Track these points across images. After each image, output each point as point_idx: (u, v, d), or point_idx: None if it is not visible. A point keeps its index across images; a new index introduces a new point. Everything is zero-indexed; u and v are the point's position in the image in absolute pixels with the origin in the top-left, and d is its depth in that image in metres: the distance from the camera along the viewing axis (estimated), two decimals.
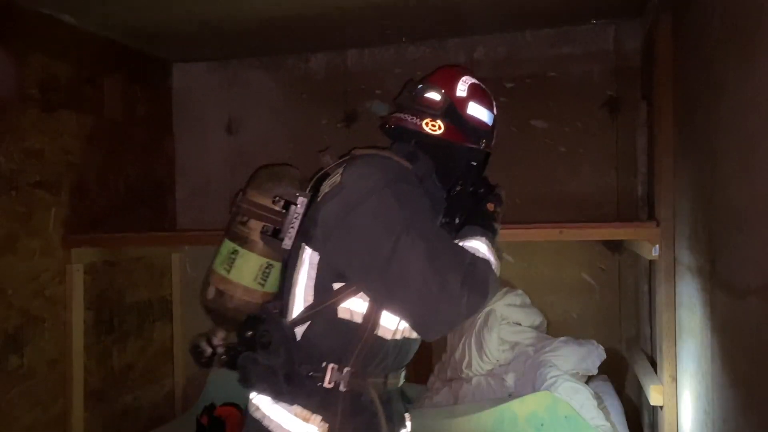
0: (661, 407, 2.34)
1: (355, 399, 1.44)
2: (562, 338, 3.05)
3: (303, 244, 1.46)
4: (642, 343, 3.02)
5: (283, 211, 1.50)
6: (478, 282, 1.34)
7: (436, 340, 3.40)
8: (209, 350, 1.62)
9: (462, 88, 1.63)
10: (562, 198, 3.28)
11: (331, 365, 1.42)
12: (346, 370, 1.42)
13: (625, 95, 3.20)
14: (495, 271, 1.43)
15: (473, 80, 1.67)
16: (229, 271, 1.52)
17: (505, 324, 3.14)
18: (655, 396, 2.36)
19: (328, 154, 1.61)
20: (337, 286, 1.42)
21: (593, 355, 2.93)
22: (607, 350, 2.94)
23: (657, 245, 2.33)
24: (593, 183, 3.26)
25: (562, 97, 3.30)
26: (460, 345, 3.15)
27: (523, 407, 2.62)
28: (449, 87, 1.62)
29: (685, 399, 2.20)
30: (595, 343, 2.97)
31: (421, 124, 1.59)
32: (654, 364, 2.62)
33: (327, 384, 1.42)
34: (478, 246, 1.46)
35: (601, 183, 3.26)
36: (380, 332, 1.44)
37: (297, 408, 1.43)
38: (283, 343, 1.44)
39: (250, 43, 3.45)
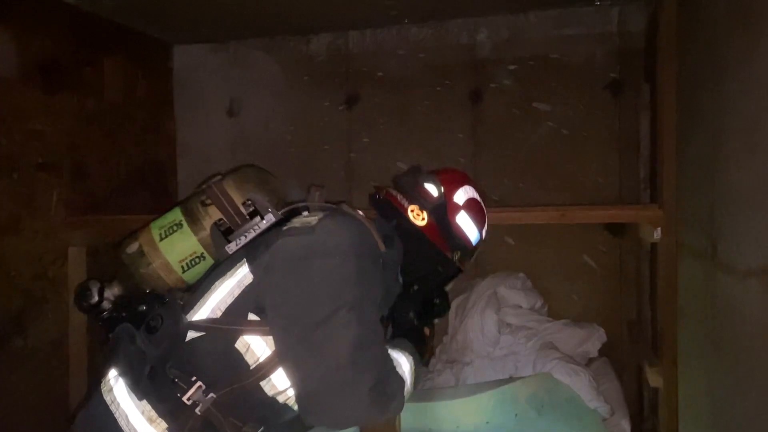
0: (661, 389, 2.35)
1: (206, 427, 1.33)
2: (563, 321, 3.06)
3: (244, 259, 1.38)
4: (643, 325, 3.03)
5: (248, 217, 1.45)
6: (385, 396, 1.27)
7: (437, 323, 3.40)
8: (96, 299, 1.55)
9: (461, 196, 1.62)
10: (564, 181, 3.28)
11: (199, 383, 1.33)
12: (210, 396, 1.32)
13: (628, 77, 3.18)
14: (405, 395, 1.36)
15: (476, 196, 1.66)
16: (162, 239, 1.46)
17: (506, 307, 3.15)
18: (654, 378, 2.37)
19: (319, 191, 1.55)
20: (252, 317, 1.33)
21: (594, 338, 2.94)
22: (607, 333, 2.95)
23: (659, 228, 2.32)
24: (595, 165, 3.25)
25: (564, 79, 3.28)
26: (462, 327, 3.16)
27: (523, 389, 2.64)
28: (449, 188, 1.61)
29: (685, 381, 2.21)
30: (596, 326, 2.98)
31: (407, 208, 1.57)
32: (654, 347, 2.63)
33: (186, 399, 1.32)
34: (402, 362, 1.41)
35: (603, 165, 3.25)
36: (265, 385, 1.34)
37: (146, 405, 1.34)
38: (169, 338, 1.37)
39: (251, 24, 3.42)
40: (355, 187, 3.59)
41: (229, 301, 1.34)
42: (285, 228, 1.37)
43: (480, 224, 1.66)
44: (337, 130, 3.61)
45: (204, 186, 1.52)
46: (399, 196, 1.60)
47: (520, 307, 3.18)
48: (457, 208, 1.59)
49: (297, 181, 3.65)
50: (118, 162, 3.25)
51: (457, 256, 1.62)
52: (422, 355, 1.56)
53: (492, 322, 3.08)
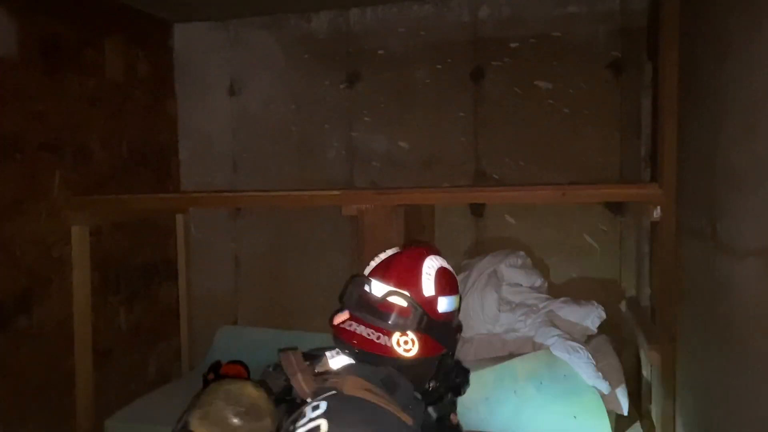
0: (659, 367, 2.38)
1: None
2: (563, 298, 3.08)
3: None
4: (642, 303, 3.06)
5: None
6: None
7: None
8: None
9: (428, 284, 1.37)
10: (565, 159, 3.28)
11: None
12: None
13: (630, 56, 3.17)
14: None
15: (436, 264, 1.42)
16: None
17: (506, 285, 3.17)
18: (653, 355, 2.39)
19: (300, 374, 1.26)
20: None
21: (593, 315, 2.97)
22: (607, 310, 2.97)
23: (659, 207, 2.33)
24: (596, 144, 3.25)
25: (566, 57, 3.27)
26: (462, 305, 3.19)
27: (522, 366, 2.67)
28: (414, 287, 1.35)
29: (682, 358, 2.24)
30: (595, 304, 3.00)
31: (392, 346, 1.31)
32: (653, 325, 2.66)
33: None
34: None
35: (604, 144, 3.25)
36: None
37: None
38: None
39: (251, 2, 3.41)
40: (357, 165, 3.59)
41: None
42: None
43: (455, 288, 1.45)
44: (338, 108, 3.61)
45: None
46: (374, 336, 1.32)
47: (520, 285, 3.20)
48: (433, 302, 1.37)
49: (298, 158, 3.66)
50: (120, 142, 3.26)
51: (458, 337, 1.46)
52: None
53: (492, 299, 3.11)
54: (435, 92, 3.47)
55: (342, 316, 1.39)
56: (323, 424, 1.10)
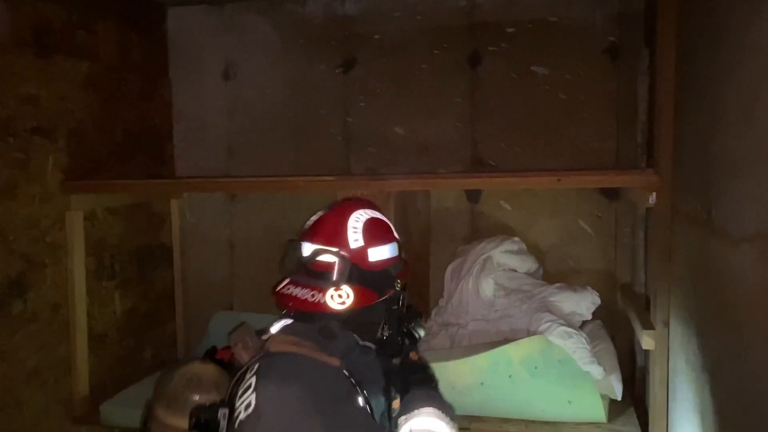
0: (653, 352, 2.39)
1: None
2: (557, 284, 3.09)
3: None
4: (636, 289, 3.07)
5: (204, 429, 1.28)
6: None
7: (433, 286, 3.44)
8: None
9: (355, 238, 1.40)
10: (561, 145, 3.28)
11: None
12: None
13: (627, 41, 3.16)
14: None
15: (364, 216, 1.44)
16: None
17: (502, 270, 3.18)
18: (647, 340, 2.41)
19: (240, 343, 1.34)
20: None
21: (588, 301, 2.98)
22: (601, 296, 2.98)
23: (654, 193, 2.33)
24: (593, 131, 3.25)
25: (563, 42, 3.25)
26: (457, 290, 3.20)
27: (517, 351, 2.68)
28: (340, 242, 1.39)
29: (676, 344, 2.25)
30: (590, 289, 3.02)
31: (325, 301, 1.34)
32: (648, 310, 2.67)
33: None
34: (428, 425, 1.32)
35: (600, 131, 3.25)
36: None
37: None
38: None
39: None
40: (353, 151, 3.58)
41: None
42: (236, 425, 1.21)
43: (389, 236, 1.47)
44: (333, 94, 3.59)
45: (143, 426, 1.38)
46: (308, 295, 1.36)
47: (515, 270, 3.21)
48: (362, 252, 1.40)
49: (294, 143, 3.64)
50: (114, 127, 3.24)
51: (398, 284, 1.46)
52: (429, 379, 1.47)
53: (487, 285, 3.11)
54: (431, 78, 3.45)
55: (282, 283, 1.44)
56: (253, 380, 1.22)
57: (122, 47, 3.30)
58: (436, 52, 3.43)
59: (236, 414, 1.21)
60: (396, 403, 1.38)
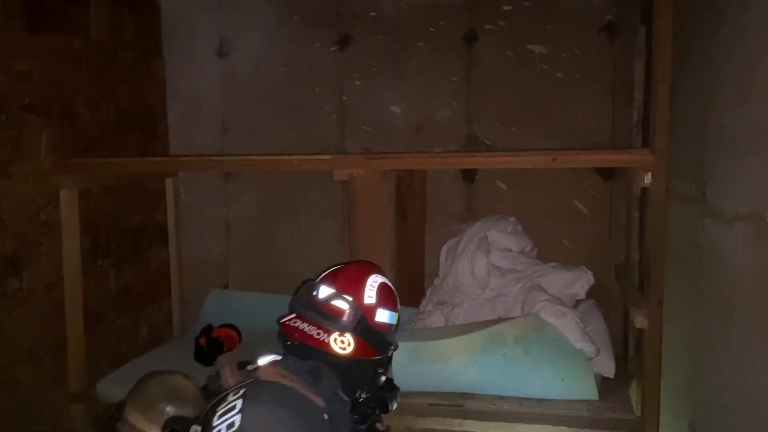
0: (646, 330, 2.41)
1: None
2: (552, 264, 3.11)
3: None
4: (630, 268, 3.08)
5: None
6: None
7: (428, 265, 3.44)
8: None
9: (370, 295, 1.50)
10: (557, 125, 3.27)
11: None
12: None
13: (625, 20, 3.14)
14: None
15: (380, 279, 1.55)
16: None
17: (496, 250, 3.19)
18: (640, 319, 2.42)
19: (228, 366, 1.43)
20: None
21: (582, 280, 2.99)
22: (596, 275, 3.00)
23: (650, 173, 2.33)
24: (589, 110, 3.24)
25: (560, 21, 3.23)
26: (452, 270, 3.21)
27: (511, 329, 2.70)
28: (357, 294, 1.49)
29: (669, 323, 2.27)
30: (584, 268, 3.03)
31: (329, 342, 1.44)
32: (641, 290, 2.69)
33: None
34: None
35: (596, 110, 3.24)
36: None
37: None
38: None
39: None
40: (348, 129, 3.57)
41: None
42: None
43: (394, 304, 1.56)
44: (328, 71, 3.56)
45: (111, 424, 1.40)
46: (314, 332, 1.45)
47: (510, 250, 3.22)
48: (372, 310, 1.49)
49: (288, 121, 3.63)
50: (108, 104, 3.21)
51: (391, 350, 1.55)
52: None
53: (482, 265, 3.12)
54: (427, 56, 3.43)
55: (289, 316, 1.52)
56: (238, 403, 1.26)
57: (115, 23, 3.25)
58: (432, 30, 3.40)
59: (214, 426, 1.24)
60: None
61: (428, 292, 3.38)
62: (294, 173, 3.55)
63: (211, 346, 2.99)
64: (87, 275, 2.98)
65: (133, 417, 1.32)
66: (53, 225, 2.81)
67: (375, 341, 1.48)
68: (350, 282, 1.50)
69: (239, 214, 3.77)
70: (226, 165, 3.33)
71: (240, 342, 3.13)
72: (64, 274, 2.85)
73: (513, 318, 2.80)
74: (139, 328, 3.46)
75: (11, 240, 2.61)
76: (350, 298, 1.47)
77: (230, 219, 3.78)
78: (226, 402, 1.29)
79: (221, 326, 3.12)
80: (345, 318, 1.45)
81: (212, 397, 1.36)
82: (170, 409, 1.31)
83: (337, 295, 1.47)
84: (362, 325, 1.45)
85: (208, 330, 3.08)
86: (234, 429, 1.21)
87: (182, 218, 3.74)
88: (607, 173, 3.26)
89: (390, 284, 1.57)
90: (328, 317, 1.45)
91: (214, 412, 1.28)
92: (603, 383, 2.73)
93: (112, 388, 2.90)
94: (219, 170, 3.67)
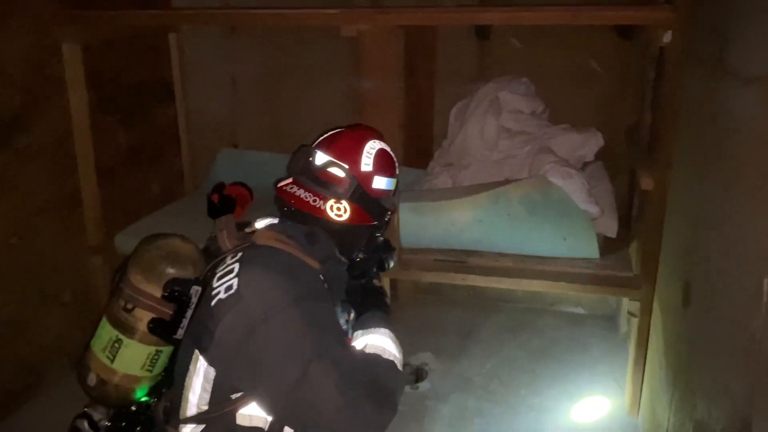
0: (652, 191, 2.43)
1: None
2: (562, 125, 3.08)
3: (196, 350, 1.32)
4: (641, 131, 3.05)
5: (175, 302, 1.33)
6: (388, 396, 1.30)
7: (437, 126, 3.43)
8: None
9: (367, 162, 1.47)
10: None
11: None
12: None
13: None
14: (400, 368, 1.39)
15: (378, 146, 1.51)
16: (112, 361, 1.37)
17: (507, 112, 3.15)
18: (646, 181, 2.44)
19: (225, 230, 1.43)
20: (235, 396, 1.32)
21: (591, 142, 2.99)
22: (606, 138, 2.98)
23: (669, 31, 2.25)
24: None
25: None
26: (462, 131, 3.19)
27: (517, 190, 2.74)
28: (353, 161, 1.46)
29: (675, 185, 2.28)
30: (594, 130, 3.01)
31: (325, 209, 1.44)
32: (650, 152, 2.68)
33: None
34: (384, 344, 1.40)
35: None
36: None
37: None
38: None
39: None
40: None
41: (207, 396, 1.34)
42: (213, 303, 1.29)
43: (392, 170, 1.54)
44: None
45: (112, 287, 1.40)
46: (310, 198, 1.45)
47: (521, 112, 3.18)
48: (369, 177, 1.47)
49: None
50: None
51: (387, 216, 1.54)
52: (386, 306, 1.56)
53: (492, 126, 3.10)
54: None
55: (286, 180, 1.51)
56: (236, 266, 1.31)
57: None
58: None
59: (214, 293, 1.29)
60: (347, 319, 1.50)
61: (436, 154, 3.39)
62: (301, 29, 3.43)
63: (223, 203, 3.08)
64: (95, 131, 2.97)
65: (135, 278, 1.35)
66: (58, 79, 2.77)
67: (371, 208, 1.49)
68: (347, 149, 1.48)
69: (245, 73, 3.69)
70: (230, 18, 3.22)
71: (252, 199, 3.21)
72: (73, 129, 2.85)
73: (520, 179, 2.83)
74: (151, 185, 3.52)
75: (16, 95, 2.60)
76: (346, 166, 1.46)
77: (236, 77, 3.71)
78: (225, 264, 1.34)
79: (233, 184, 3.18)
80: (341, 185, 1.44)
81: (212, 258, 1.41)
82: (171, 270, 1.35)
83: (332, 162, 1.46)
84: (358, 192, 1.45)
85: (220, 187, 3.15)
86: (231, 292, 1.27)
87: (188, 75, 3.67)
88: (625, 32, 3.14)
89: (388, 149, 1.55)
90: (324, 184, 1.45)
91: (214, 274, 1.33)
92: (605, 242, 2.81)
93: (129, 241, 3.00)
94: (223, 24, 3.55)
